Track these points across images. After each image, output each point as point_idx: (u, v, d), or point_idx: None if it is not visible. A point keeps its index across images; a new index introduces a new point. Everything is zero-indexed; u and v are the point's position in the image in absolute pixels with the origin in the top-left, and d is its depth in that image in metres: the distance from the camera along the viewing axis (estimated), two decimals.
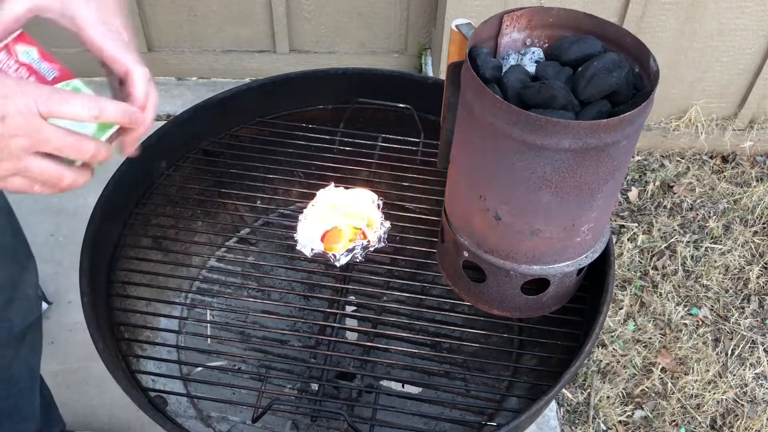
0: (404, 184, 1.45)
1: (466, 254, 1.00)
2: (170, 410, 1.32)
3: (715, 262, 2.10)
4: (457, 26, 0.95)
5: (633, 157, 2.38)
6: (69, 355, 1.77)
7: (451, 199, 1.02)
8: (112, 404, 1.68)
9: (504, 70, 0.91)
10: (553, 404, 1.78)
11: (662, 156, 2.40)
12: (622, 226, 2.19)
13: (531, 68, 0.94)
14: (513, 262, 0.96)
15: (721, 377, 1.87)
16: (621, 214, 2.23)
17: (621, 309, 1.99)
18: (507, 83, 0.88)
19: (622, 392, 1.84)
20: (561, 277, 0.99)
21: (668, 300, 2.02)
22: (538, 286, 1.03)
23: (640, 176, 2.35)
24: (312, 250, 1.33)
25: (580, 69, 0.87)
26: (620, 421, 1.79)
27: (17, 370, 1.27)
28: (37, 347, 1.32)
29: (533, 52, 0.95)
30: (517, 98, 0.87)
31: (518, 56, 0.96)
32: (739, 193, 2.29)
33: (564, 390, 1.82)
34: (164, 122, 1.45)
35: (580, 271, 1.04)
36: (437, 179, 1.43)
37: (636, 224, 2.20)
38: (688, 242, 2.15)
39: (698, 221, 2.22)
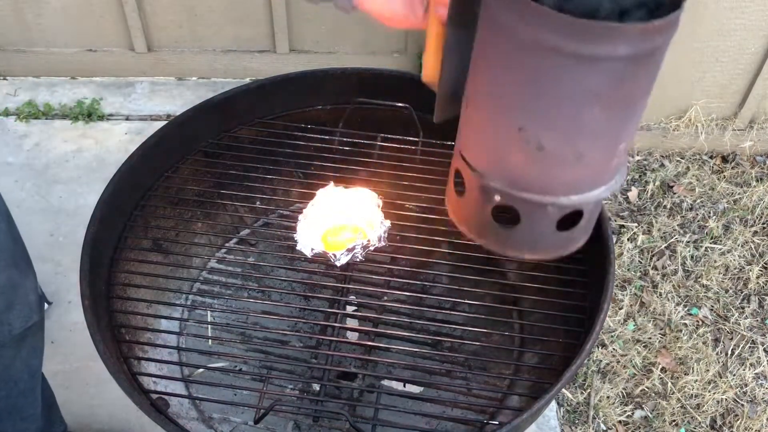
0: (404, 183, 1.45)
1: (498, 198, 0.93)
2: (172, 412, 1.32)
3: (715, 262, 2.11)
4: None
5: (633, 157, 2.38)
6: (69, 355, 1.77)
7: (476, 143, 0.95)
8: (112, 404, 1.68)
9: None
10: (553, 404, 1.78)
11: (662, 156, 2.40)
12: (622, 226, 2.19)
13: None
14: (552, 195, 0.91)
15: (721, 377, 1.87)
16: (621, 214, 2.23)
17: (621, 309, 1.99)
18: None
19: (622, 392, 1.84)
20: (594, 206, 0.95)
21: (668, 300, 2.02)
22: (569, 223, 1.01)
23: (640, 176, 2.35)
24: (312, 250, 1.33)
25: None
26: (620, 421, 1.79)
27: (17, 370, 1.27)
28: (38, 349, 1.32)
29: None
30: (556, 8, 0.81)
31: None
32: (739, 193, 2.29)
33: (564, 390, 1.82)
34: (164, 123, 1.45)
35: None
36: (437, 178, 1.43)
37: (636, 224, 2.20)
38: (688, 242, 2.15)
39: (698, 221, 2.22)
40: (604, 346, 1.92)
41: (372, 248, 1.33)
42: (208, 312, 1.59)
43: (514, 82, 0.84)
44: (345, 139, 1.52)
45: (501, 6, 0.82)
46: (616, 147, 0.89)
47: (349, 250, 1.31)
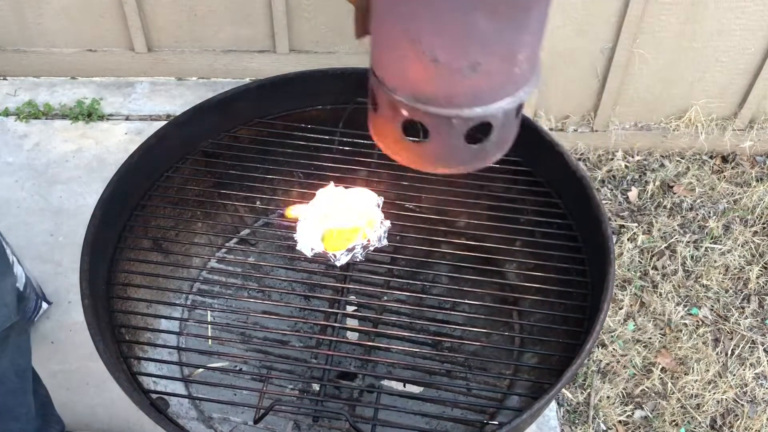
0: (404, 183, 1.45)
1: (405, 113, 0.95)
2: (172, 412, 1.32)
3: (715, 262, 2.11)
4: None
5: (633, 157, 2.38)
6: (69, 355, 1.77)
7: (382, 58, 0.97)
8: (112, 404, 1.68)
9: None
10: (553, 404, 1.78)
11: (662, 156, 2.40)
12: (622, 226, 2.19)
13: None
14: (455, 108, 0.92)
15: (721, 377, 1.87)
16: (621, 214, 2.23)
17: (621, 309, 1.99)
18: None
19: (622, 392, 1.84)
20: (503, 118, 0.95)
21: (668, 300, 2.02)
22: (480, 136, 0.99)
23: (640, 176, 2.35)
24: (312, 250, 1.33)
25: None
26: (620, 421, 1.79)
27: (2, 369, 1.26)
28: (24, 349, 1.31)
29: None
30: None
31: None
32: (739, 193, 2.29)
33: (564, 390, 1.82)
34: (164, 123, 1.45)
35: (518, 111, 1.00)
36: (437, 178, 1.43)
37: (636, 224, 2.20)
38: (688, 242, 2.15)
39: (698, 221, 2.22)
40: (604, 346, 1.92)
41: (372, 248, 1.33)
42: (208, 312, 1.59)
43: None
44: (345, 139, 1.52)
45: None
46: (513, 57, 0.88)
47: (349, 250, 1.31)
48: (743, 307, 2.03)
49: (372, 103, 1.04)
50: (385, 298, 1.59)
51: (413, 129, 0.99)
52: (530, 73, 0.95)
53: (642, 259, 2.11)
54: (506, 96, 0.93)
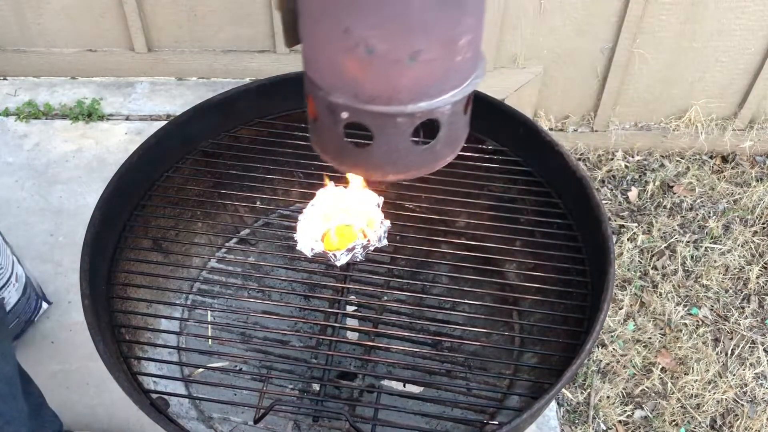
0: (404, 183, 1.45)
1: (345, 115, 0.88)
2: (172, 412, 1.32)
3: (715, 262, 2.11)
4: None
5: (633, 157, 2.38)
6: (69, 355, 1.77)
7: (317, 59, 0.89)
8: (112, 404, 1.68)
9: None
10: (553, 404, 1.78)
11: (662, 156, 2.40)
12: (622, 226, 2.19)
13: None
14: (398, 104, 0.85)
15: (721, 377, 1.87)
16: (621, 214, 2.23)
17: (621, 309, 1.99)
18: None
19: (622, 392, 1.84)
20: (450, 113, 0.89)
21: (668, 300, 2.02)
22: (428, 135, 0.92)
23: (640, 176, 2.35)
24: (312, 250, 1.33)
25: None
26: (620, 421, 1.79)
27: None
28: (6, 354, 1.30)
29: None
30: None
31: None
32: (739, 193, 2.29)
33: (564, 390, 1.82)
34: (164, 123, 1.45)
35: (466, 107, 0.93)
36: (437, 178, 1.43)
37: (636, 224, 2.20)
38: (688, 242, 2.15)
39: (698, 221, 2.22)
40: (604, 346, 1.92)
41: (372, 248, 1.33)
42: (208, 312, 1.59)
43: None
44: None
45: None
46: (455, 42, 0.82)
47: (349, 250, 1.31)
48: (743, 307, 2.03)
49: (309, 112, 0.96)
50: (385, 298, 1.59)
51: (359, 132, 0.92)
52: (474, 61, 0.88)
53: (642, 259, 2.11)
54: (452, 88, 0.87)
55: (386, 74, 0.83)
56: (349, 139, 0.92)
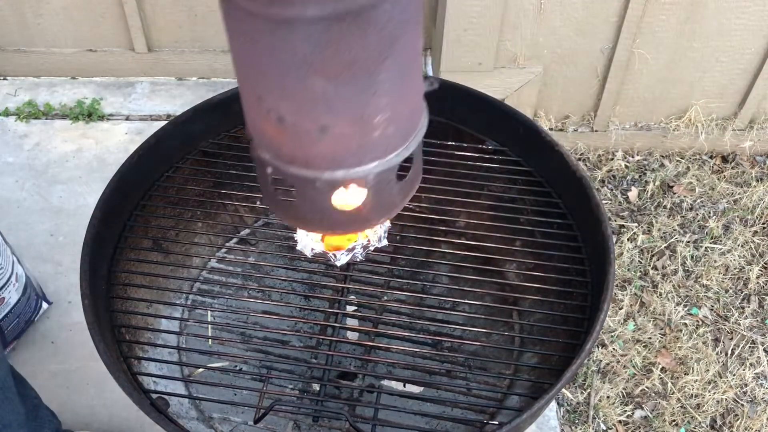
0: None
1: (269, 170, 0.90)
2: (172, 412, 1.31)
3: (715, 262, 2.11)
4: None
5: (633, 157, 2.38)
6: (69, 355, 1.77)
7: (245, 111, 0.91)
8: (112, 404, 1.68)
9: None
10: (553, 404, 1.78)
11: (662, 156, 2.40)
12: (622, 226, 2.19)
13: None
14: (315, 169, 0.85)
15: (721, 377, 1.87)
16: (621, 214, 2.23)
17: (621, 309, 1.99)
18: None
19: (622, 392, 1.84)
20: (375, 182, 0.87)
21: (668, 300, 2.02)
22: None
23: (640, 176, 2.35)
24: (312, 250, 1.33)
25: None
26: (620, 421, 1.79)
27: None
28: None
29: None
30: None
31: None
32: (739, 193, 2.29)
33: (564, 390, 1.82)
34: (164, 123, 1.45)
35: (401, 175, 0.92)
36: (437, 178, 1.43)
37: (636, 224, 2.20)
38: (688, 242, 2.15)
39: (698, 221, 2.22)
40: (604, 346, 1.92)
41: (372, 248, 1.33)
42: (208, 312, 1.59)
43: (239, 49, 0.80)
44: None
45: None
46: (368, 121, 0.81)
47: (349, 250, 1.31)
48: (743, 307, 2.03)
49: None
50: (385, 298, 1.59)
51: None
52: (402, 136, 0.87)
53: (642, 259, 2.11)
54: (373, 159, 0.85)
55: (299, 142, 0.83)
56: (280, 187, 0.94)
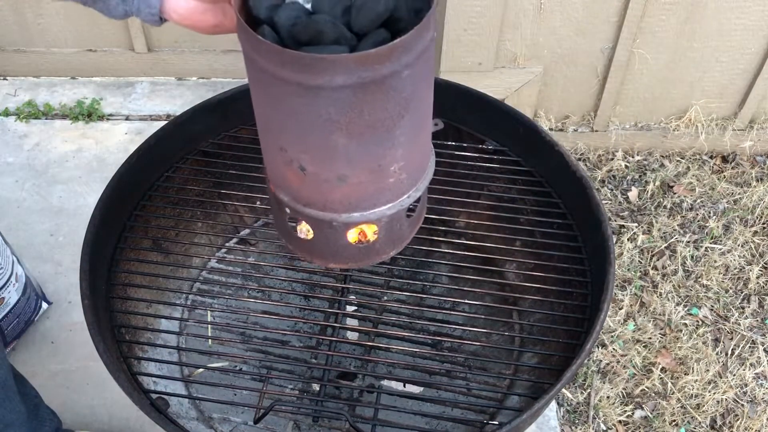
0: None
1: (288, 210, 0.97)
2: (172, 412, 1.32)
3: (715, 262, 2.11)
4: None
5: (633, 157, 2.38)
6: (69, 355, 1.77)
7: (265, 156, 0.98)
8: (112, 404, 1.68)
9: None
10: (553, 404, 1.78)
11: (662, 156, 2.40)
12: (622, 226, 2.19)
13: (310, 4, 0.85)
14: (332, 212, 0.92)
15: (721, 377, 1.87)
16: (621, 214, 2.23)
17: (621, 309, 1.99)
18: (278, 22, 0.80)
19: (622, 392, 1.84)
20: (388, 222, 0.95)
21: (668, 300, 2.02)
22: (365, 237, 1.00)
23: (640, 176, 2.35)
24: None
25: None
26: (620, 421, 1.79)
27: None
28: (0, 358, 1.31)
29: None
30: (290, 38, 0.81)
31: None
32: (739, 193, 2.29)
33: (564, 390, 1.82)
34: (164, 123, 1.45)
35: (410, 212, 1.00)
36: (437, 178, 1.42)
37: (636, 224, 2.20)
38: (688, 242, 2.15)
39: (698, 221, 2.22)
40: (604, 346, 1.92)
41: None
42: (208, 312, 1.59)
43: (266, 105, 0.86)
44: None
45: (241, 35, 0.83)
46: (385, 169, 0.88)
47: None
48: (743, 307, 2.03)
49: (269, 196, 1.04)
50: (385, 298, 1.59)
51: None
52: (412, 181, 0.94)
53: (642, 259, 2.11)
54: (387, 202, 0.92)
55: (318, 189, 0.89)
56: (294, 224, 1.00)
